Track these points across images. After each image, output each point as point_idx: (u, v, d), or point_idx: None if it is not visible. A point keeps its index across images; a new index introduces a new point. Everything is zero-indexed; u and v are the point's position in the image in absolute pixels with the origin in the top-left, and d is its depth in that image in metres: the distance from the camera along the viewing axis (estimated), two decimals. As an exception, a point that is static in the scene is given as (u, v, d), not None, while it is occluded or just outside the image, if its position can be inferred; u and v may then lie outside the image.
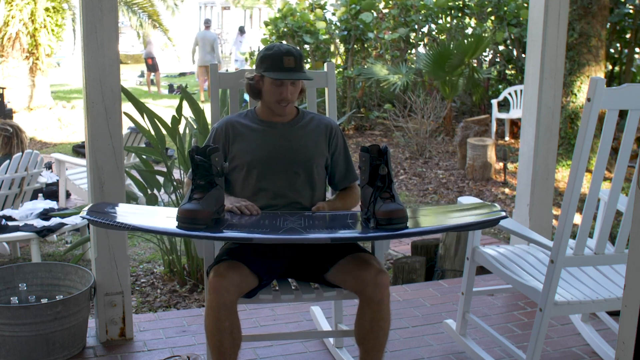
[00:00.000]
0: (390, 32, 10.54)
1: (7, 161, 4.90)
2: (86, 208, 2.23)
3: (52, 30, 11.57)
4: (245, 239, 2.09)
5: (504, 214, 2.15)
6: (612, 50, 9.06)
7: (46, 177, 5.95)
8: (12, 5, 11.01)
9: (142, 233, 4.75)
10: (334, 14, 10.90)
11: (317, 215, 2.34)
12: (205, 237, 2.18)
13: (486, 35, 9.66)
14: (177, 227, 2.06)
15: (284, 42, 10.25)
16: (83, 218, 2.14)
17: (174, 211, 2.19)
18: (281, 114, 2.51)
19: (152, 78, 15.79)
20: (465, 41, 9.23)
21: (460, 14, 10.69)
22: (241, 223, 2.21)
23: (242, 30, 16.63)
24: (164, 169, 4.07)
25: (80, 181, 5.93)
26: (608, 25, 8.19)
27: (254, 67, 2.56)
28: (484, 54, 10.67)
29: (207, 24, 14.84)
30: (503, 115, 9.18)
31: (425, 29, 10.87)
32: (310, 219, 2.27)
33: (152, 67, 15.43)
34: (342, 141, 2.60)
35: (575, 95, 7.78)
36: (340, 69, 10.28)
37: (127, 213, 2.38)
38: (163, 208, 2.63)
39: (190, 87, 15.29)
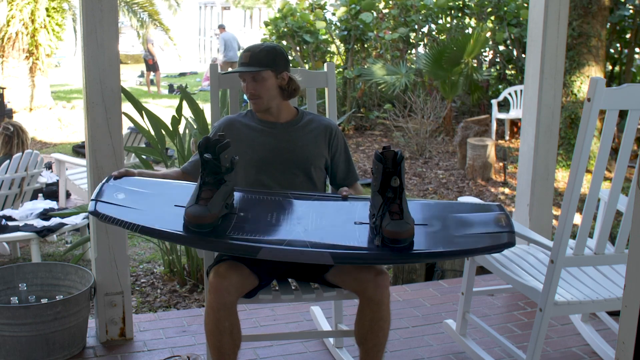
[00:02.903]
0: (390, 32, 10.54)
1: (7, 161, 4.90)
2: (94, 195, 2.16)
3: (53, 30, 11.56)
4: (251, 250, 2.02)
5: (506, 240, 2.08)
6: (612, 50, 9.06)
7: (46, 177, 5.96)
8: (12, 5, 11.01)
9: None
10: (334, 14, 10.89)
11: (327, 210, 2.29)
12: (211, 247, 2.15)
13: (485, 33, 9.65)
14: (183, 229, 2.03)
15: (284, 42, 10.26)
16: (91, 213, 2.09)
17: (182, 195, 2.15)
18: (255, 109, 2.53)
19: (152, 78, 15.80)
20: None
21: (460, 14, 10.69)
22: (248, 218, 2.16)
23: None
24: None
25: (80, 181, 5.93)
26: (608, 25, 8.19)
27: None
28: (484, 54, 10.67)
29: (223, 27, 16.41)
30: (503, 115, 9.18)
31: (425, 29, 10.86)
32: (318, 217, 2.21)
33: (152, 66, 15.46)
34: (342, 142, 2.60)
35: (575, 95, 7.77)
36: (340, 69, 10.28)
37: (134, 201, 2.23)
38: (172, 184, 2.48)
39: (190, 87, 15.29)
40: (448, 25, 10.76)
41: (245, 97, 2.90)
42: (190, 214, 2.01)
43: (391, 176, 2.06)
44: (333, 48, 10.64)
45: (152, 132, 3.90)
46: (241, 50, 15.22)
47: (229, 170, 2.12)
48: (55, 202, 5.11)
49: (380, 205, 2.06)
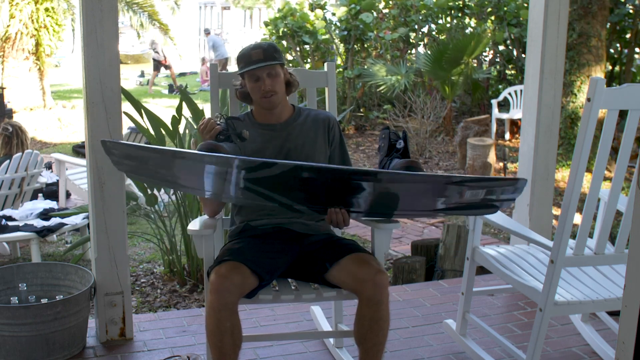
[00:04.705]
0: (390, 32, 10.54)
1: (7, 161, 4.90)
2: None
3: (53, 30, 11.57)
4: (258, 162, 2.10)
5: (520, 182, 2.15)
6: (612, 50, 9.06)
7: (46, 177, 5.96)
8: (12, 5, 11.01)
9: (142, 233, 4.75)
10: (334, 14, 10.90)
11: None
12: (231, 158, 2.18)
13: (486, 34, 9.66)
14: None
15: (284, 42, 10.25)
16: (105, 141, 2.21)
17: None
18: (269, 107, 2.50)
19: (155, 79, 15.89)
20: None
21: (460, 14, 10.69)
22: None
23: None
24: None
25: (80, 181, 5.93)
26: (608, 25, 8.19)
27: None
28: (484, 54, 10.67)
29: (208, 31, 17.86)
30: (503, 115, 9.19)
31: (425, 29, 10.87)
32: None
33: (166, 66, 15.74)
34: (338, 133, 2.60)
35: (575, 95, 7.77)
36: (340, 69, 10.28)
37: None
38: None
39: (190, 87, 15.29)
40: (448, 25, 10.76)
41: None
42: (205, 143, 2.25)
43: (396, 143, 2.24)
44: (334, 47, 10.64)
45: (152, 132, 3.91)
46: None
47: (239, 137, 2.34)
48: (55, 202, 5.11)
49: (388, 155, 2.24)
